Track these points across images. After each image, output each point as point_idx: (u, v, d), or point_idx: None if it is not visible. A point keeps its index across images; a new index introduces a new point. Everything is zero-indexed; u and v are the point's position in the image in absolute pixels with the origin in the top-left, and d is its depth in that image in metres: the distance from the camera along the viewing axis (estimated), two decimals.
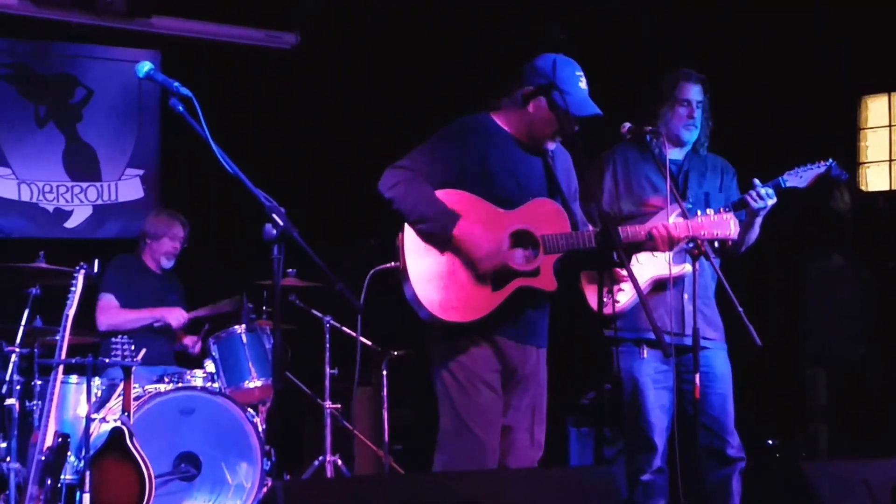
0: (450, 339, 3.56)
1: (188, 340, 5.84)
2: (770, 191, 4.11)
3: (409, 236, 3.52)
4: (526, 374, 3.62)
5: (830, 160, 4.21)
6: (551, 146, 3.64)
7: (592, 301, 4.25)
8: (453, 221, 3.46)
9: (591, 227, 3.67)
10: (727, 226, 3.64)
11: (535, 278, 3.50)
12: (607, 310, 4.11)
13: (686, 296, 4.20)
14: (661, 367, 4.18)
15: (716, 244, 4.23)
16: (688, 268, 4.19)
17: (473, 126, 3.65)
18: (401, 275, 3.52)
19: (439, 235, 3.48)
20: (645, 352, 4.16)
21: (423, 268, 3.49)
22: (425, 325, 3.54)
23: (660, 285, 4.17)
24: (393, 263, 3.61)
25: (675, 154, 4.32)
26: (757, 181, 4.13)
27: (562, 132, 3.55)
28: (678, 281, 4.19)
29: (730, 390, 4.30)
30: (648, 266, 4.11)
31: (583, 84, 3.58)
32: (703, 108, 4.32)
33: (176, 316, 5.71)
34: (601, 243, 3.48)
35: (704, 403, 4.25)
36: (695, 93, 4.30)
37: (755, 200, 4.10)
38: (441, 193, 3.52)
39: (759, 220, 4.19)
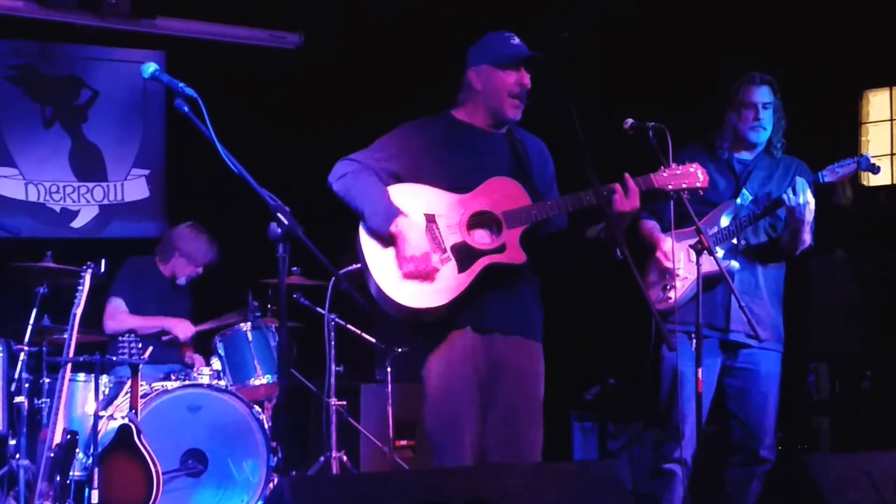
0: (432, 337, 3.53)
1: (196, 359, 5.78)
2: (804, 185, 4.09)
3: (365, 230, 3.51)
4: (512, 367, 3.56)
5: (866, 154, 4.25)
6: (517, 115, 3.63)
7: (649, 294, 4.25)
8: (391, 219, 3.45)
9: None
10: (693, 176, 3.60)
11: (501, 254, 3.48)
12: (662, 305, 4.20)
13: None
14: (706, 361, 4.16)
15: (744, 242, 4.26)
16: (735, 265, 4.23)
17: (429, 123, 3.67)
18: (364, 272, 3.50)
19: (380, 232, 3.47)
20: (695, 345, 4.10)
21: (385, 259, 3.46)
22: (405, 321, 3.51)
23: (709, 282, 4.15)
24: (354, 266, 3.58)
25: (745, 155, 4.39)
26: (801, 180, 4.12)
27: (519, 93, 3.57)
28: (724, 279, 4.19)
29: (773, 391, 4.32)
30: (702, 263, 4.02)
31: (515, 41, 3.62)
32: (772, 109, 4.33)
33: (183, 329, 5.68)
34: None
35: (745, 400, 4.31)
36: (760, 95, 4.32)
37: (789, 198, 4.10)
38: (394, 188, 3.53)
39: (804, 223, 4.14)
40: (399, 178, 3.56)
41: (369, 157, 3.58)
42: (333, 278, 3.34)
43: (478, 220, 3.52)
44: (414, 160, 3.57)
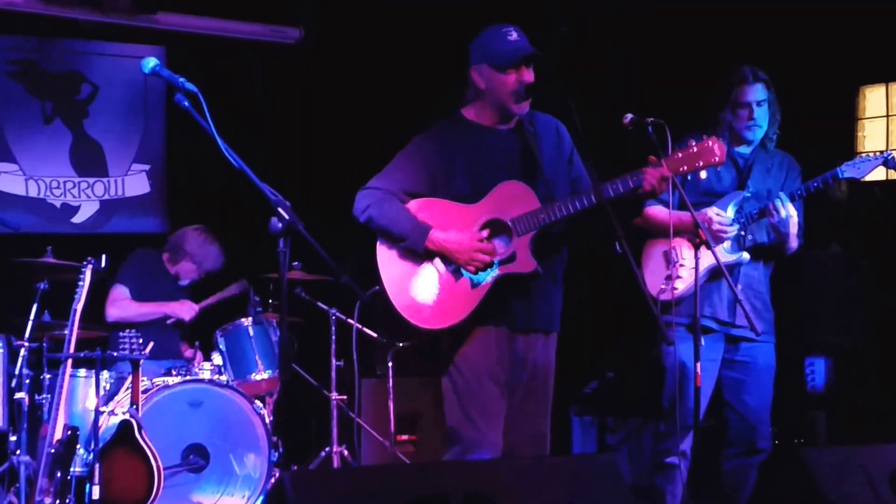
0: (455, 335, 3.56)
1: (197, 355, 5.78)
2: (786, 199, 4.12)
3: (381, 255, 3.57)
4: (532, 362, 3.62)
5: (889, 152, 4.26)
6: (523, 109, 3.61)
7: (650, 284, 4.26)
8: (424, 235, 3.50)
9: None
10: (711, 152, 3.48)
11: (511, 264, 3.49)
12: (665, 296, 4.14)
13: (740, 286, 4.22)
14: (711, 355, 4.19)
15: (751, 238, 4.28)
16: (745, 256, 4.25)
17: (440, 130, 3.68)
18: (383, 294, 3.55)
19: (417, 251, 3.53)
20: (702, 340, 4.02)
21: (399, 282, 3.54)
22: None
23: (716, 274, 4.17)
24: (377, 287, 3.63)
25: (742, 149, 4.38)
26: (782, 194, 4.15)
27: (521, 90, 3.54)
28: (732, 271, 4.21)
29: (770, 382, 4.35)
30: (707, 255, 4.00)
31: (513, 37, 3.57)
32: (767, 105, 4.32)
33: (186, 309, 5.72)
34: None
35: (743, 392, 4.33)
36: (754, 94, 4.30)
37: (771, 213, 4.15)
38: (410, 205, 3.57)
39: (788, 235, 4.18)
40: (418, 194, 3.60)
41: (387, 182, 3.62)
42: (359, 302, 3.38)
43: (489, 230, 3.54)
44: (430, 174, 3.60)
